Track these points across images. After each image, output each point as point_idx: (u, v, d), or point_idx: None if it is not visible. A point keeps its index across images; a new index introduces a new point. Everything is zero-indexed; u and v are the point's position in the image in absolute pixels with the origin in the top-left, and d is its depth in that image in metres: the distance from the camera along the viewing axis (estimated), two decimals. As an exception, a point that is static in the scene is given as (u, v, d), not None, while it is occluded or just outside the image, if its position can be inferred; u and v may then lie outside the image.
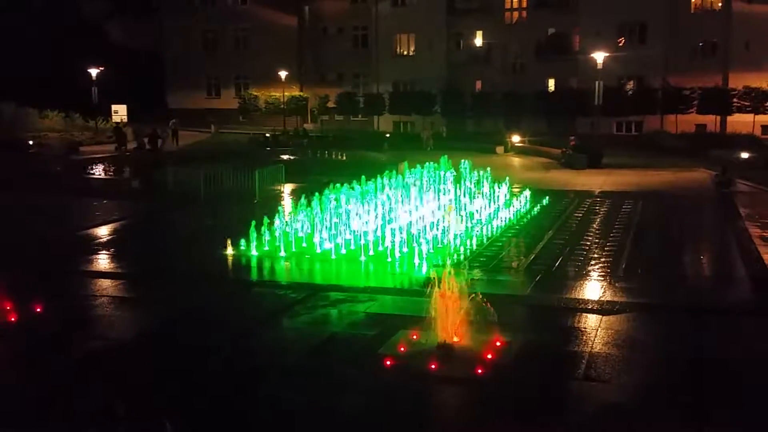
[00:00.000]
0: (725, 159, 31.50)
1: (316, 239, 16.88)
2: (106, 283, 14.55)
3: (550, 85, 54.37)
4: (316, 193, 18.71)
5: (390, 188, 20.60)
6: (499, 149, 41.60)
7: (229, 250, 16.64)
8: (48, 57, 57.35)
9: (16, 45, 56.89)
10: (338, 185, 19.35)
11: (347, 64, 59.59)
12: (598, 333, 11.29)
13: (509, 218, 20.10)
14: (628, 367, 10.01)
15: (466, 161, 23.89)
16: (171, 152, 41.13)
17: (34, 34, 58.92)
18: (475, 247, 16.81)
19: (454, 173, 22.86)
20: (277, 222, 17.30)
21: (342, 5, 59.33)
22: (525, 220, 20.55)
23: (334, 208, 18.03)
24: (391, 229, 17.02)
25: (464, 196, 21.30)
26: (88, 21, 63.40)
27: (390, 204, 19.45)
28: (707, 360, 10.49)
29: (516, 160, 38.39)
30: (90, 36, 61.10)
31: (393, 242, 16.12)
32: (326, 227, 17.25)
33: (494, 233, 18.31)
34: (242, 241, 16.75)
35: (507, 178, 23.80)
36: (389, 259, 15.63)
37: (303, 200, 18.70)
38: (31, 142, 41.83)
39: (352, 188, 19.32)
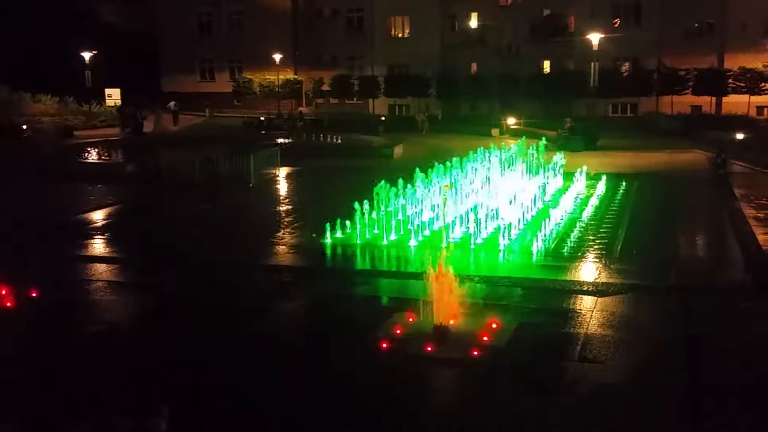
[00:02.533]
0: (720, 140, 31.51)
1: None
2: (101, 267, 14.59)
3: (545, 66, 54.28)
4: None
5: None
6: (495, 132, 41.50)
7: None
8: (41, 40, 56.96)
9: (8, 28, 56.45)
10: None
11: (342, 47, 59.33)
12: (593, 314, 11.33)
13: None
14: (623, 348, 10.05)
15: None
16: (162, 135, 41.17)
17: (27, 17, 58.46)
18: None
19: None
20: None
21: (336, -13, 59.06)
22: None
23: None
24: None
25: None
26: (81, 3, 62.95)
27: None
28: (701, 339, 10.55)
29: (511, 143, 38.24)
30: (83, 19, 60.71)
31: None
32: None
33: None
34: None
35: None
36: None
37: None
38: (24, 127, 41.66)
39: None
